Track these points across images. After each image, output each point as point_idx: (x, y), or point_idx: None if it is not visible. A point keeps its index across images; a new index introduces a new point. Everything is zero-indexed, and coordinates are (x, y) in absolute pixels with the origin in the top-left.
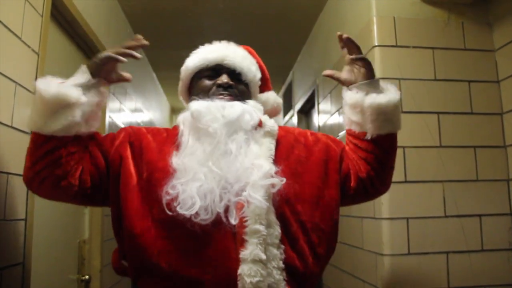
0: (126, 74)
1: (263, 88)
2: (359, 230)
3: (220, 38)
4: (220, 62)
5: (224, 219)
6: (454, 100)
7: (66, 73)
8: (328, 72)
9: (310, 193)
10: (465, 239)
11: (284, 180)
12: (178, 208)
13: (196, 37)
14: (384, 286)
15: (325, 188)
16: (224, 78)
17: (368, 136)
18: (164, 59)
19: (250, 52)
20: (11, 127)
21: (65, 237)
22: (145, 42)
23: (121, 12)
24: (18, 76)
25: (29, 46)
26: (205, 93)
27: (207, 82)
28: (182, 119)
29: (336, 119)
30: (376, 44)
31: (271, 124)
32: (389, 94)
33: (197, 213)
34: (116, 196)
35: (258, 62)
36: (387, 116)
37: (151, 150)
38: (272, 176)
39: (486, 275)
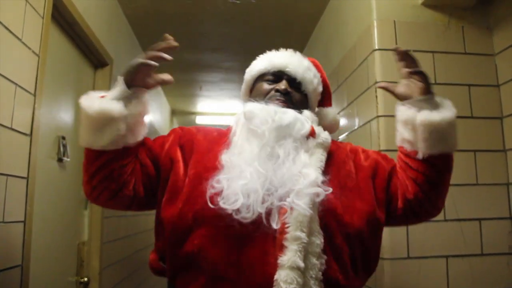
0: (165, 76)
1: (324, 103)
2: None
3: (221, 41)
4: (282, 69)
5: (265, 222)
6: (454, 104)
7: (67, 75)
8: (383, 84)
9: (360, 209)
10: (465, 243)
11: (330, 190)
12: (221, 203)
13: (197, 40)
14: None
15: (373, 205)
16: (282, 85)
17: (420, 156)
18: (164, 61)
19: (316, 65)
20: (11, 128)
21: (64, 239)
22: (175, 44)
23: (122, 14)
24: (19, 78)
25: (29, 48)
26: (262, 97)
27: (266, 86)
28: (236, 119)
29: None
30: (377, 47)
31: (325, 136)
32: (443, 112)
33: (238, 210)
34: (163, 197)
35: (322, 76)
36: (441, 134)
37: (201, 150)
38: (318, 186)
39: (486, 279)
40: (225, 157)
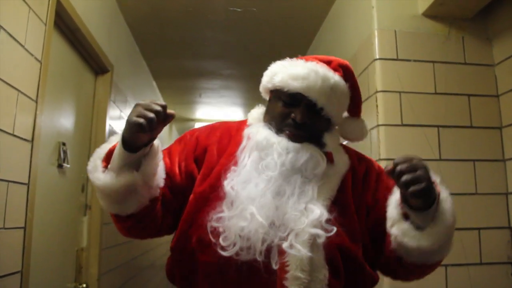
0: (169, 112)
1: (352, 111)
2: None
3: (221, 48)
4: (301, 92)
5: (265, 262)
6: (454, 114)
7: (68, 81)
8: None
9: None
10: (464, 252)
11: (334, 230)
12: (221, 240)
13: (197, 47)
14: None
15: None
16: (299, 114)
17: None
18: (164, 68)
19: (347, 72)
20: (12, 134)
21: (63, 245)
22: (173, 112)
23: (123, 21)
24: (21, 84)
25: (32, 54)
26: (278, 121)
27: (283, 110)
28: (249, 133)
29: None
30: (377, 57)
31: (344, 161)
32: (434, 235)
33: (237, 253)
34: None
35: (352, 86)
36: (428, 254)
37: (210, 164)
38: (321, 225)
39: None
40: (229, 185)
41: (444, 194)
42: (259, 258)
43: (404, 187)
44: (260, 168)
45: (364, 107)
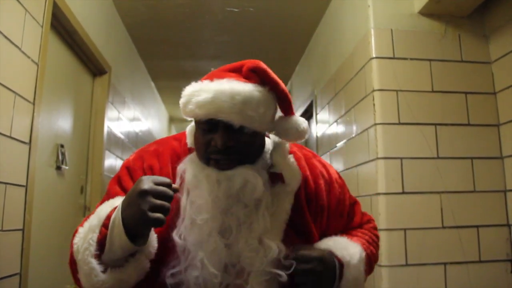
0: (174, 188)
1: (285, 113)
2: None
3: (218, 49)
4: (212, 117)
5: None
6: (451, 112)
7: (65, 83)
8: None
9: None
10: (463, 250)
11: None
12: None
13: (195, 48)
14: None
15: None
16: (219, 140)
17: None
18: (162, 68)
19: (262, 77)
20: (10, 137)
21: (61, 247)
22: (177, 187)
23: (120, 22)
24: (18, 87)
25: (29, 57)
26: (202, 151)
27: (203, 138)
28: (181, 171)
29: (334, 129)
30: (374, 56)
31: (296, 177)
32: None
33: None
34: None
35: (273, 87)
36: None
37: None
38: (281, 263)
39: (484, 285)
40: (177, 235)
41: (347, 277)
42: None
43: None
44: (198, 205)
45: (361, 105)
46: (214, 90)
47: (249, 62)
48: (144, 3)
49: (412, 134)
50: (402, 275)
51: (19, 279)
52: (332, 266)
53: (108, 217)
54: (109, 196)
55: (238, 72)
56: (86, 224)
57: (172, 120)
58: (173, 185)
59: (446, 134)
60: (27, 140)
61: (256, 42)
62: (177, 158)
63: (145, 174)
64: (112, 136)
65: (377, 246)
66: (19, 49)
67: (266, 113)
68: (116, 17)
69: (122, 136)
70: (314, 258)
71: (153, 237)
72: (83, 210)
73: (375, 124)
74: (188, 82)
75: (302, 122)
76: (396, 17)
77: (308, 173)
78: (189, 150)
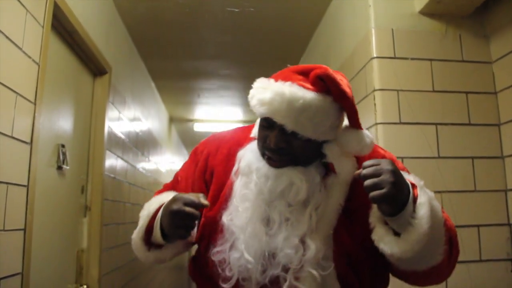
0: (203, 203)
1: (350, 123)
2: None
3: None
4: (270, 117)
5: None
6: (452, 111)
7: (66, 83)
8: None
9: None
10: (463, 250)
11: (331, 267)
12: (221, 271)
13: (195, 48)
14: None
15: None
16: (272, 139)
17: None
18: (162, 68)
19: (329, 85)
20: (11, 137)
21: (63, 246)
22: (206, 203)
23: (121, 22)
24: (19, 86)
25: (29, 57)
26: (260, 144)
27: (262, 133)
28: (240, 156)
29: None
30: (375, 55)
31: (348, 167)
32: (406, 242)
33: (237, 284)
34: None
35: (339, 96)
36: (407, 261)
37: (216, 186)
38: (319, 262)
39: (485, 285)
40: (225, 219)
41: (422, 198)
42: (265, 285)
43: (367, 192)
44: (240, 198)
45: (362, 105)
46: (275, 92)
47: (318, 68)
48: (144, 3)
49: (413, 134)
50: None
51: (20, 279)
52: (403, 179)
53: (155, 214)
54: (174, 178)
55: (306, 76)
56: (145, 210)
57: (172, 120)
58: (203, 202)
59: (447, 133)
60: (28, 140)
61: (256, 42)
62: (237, 146)
63: (204, 158)
64: (112, 136)
65: (455, 230)
66: (20, 49)
67: (324, 122)
68: (116, 17)
69: (122, 136)
70: (383, 160)
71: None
72: (84, 210)
73: (376, 123)
74: (188, 82)
75: (366, 137)
76: (397, 17)
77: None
78: (251, 140)
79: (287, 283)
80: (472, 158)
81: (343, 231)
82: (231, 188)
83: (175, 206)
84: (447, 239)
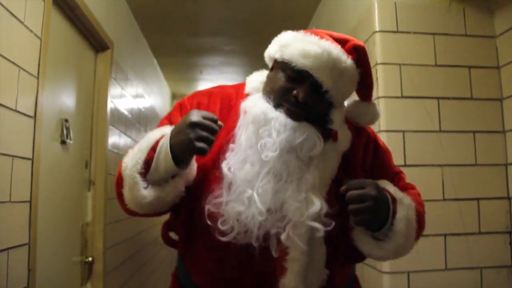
0: (220, 124)
1: (362, 95)
2: None
3: (221, 24)
4: (310, 71)
5: (262, 246)
6: (454, 86)
7: (68, 58)
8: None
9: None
10: (463, 222)
11: (332, 224)
12: (219, 224)
13: (197, 24)
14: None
15: None
16: (302, 93)
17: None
18: (164, 45)
19: (360, 58)
20: (15, 110)
21: (68, 219)
22: (221, 123)
23: None
24: (21, 61)
25: (31, 31)
26: (279, 95)
27: (286, 84)
28: (246, 106)
29: None
30: (377, 29)
31: (346, 138)
32: (384, 250)
33: (234, 237)
34: None
35: (364, 71)
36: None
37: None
38: (321, 218)
39: (483, 257)
40: (227, 166)
41: (400, 213)
42: (255, 244)
43: (351, 215)
44: (259, 147)
45: None
46: (323, 48)
47: (355, 40)
48: None
49: (415, 108)
50: None
51: (27, 249)
52: (385, 197)
53: (157, 142)
54: (159, 125)
55: (342, 44)
56: (136, 147)
57: (174, 97)
58: (219, 122)
59: (448, 108)
60: (32, 114)
61: (258, 17)
62: (228, 101)
63: (195, 108)
64: (115, 112)
65: (423, 211)
66: (22, 23)
67: (349, 90)
68: None
69: (125, 112)
70: (369, 183)
71: (194, 166)
72: (88, 184)
73: (378, 97)
74: (190, 59)
75: (377, 110)
76: None
77: (355, 135)
78: (246, 96)
79: (284, 235)
80: (474, 132)
81: (333, 197)
82: (230, 137)
83: (194, 118)
84: (418, 227)
